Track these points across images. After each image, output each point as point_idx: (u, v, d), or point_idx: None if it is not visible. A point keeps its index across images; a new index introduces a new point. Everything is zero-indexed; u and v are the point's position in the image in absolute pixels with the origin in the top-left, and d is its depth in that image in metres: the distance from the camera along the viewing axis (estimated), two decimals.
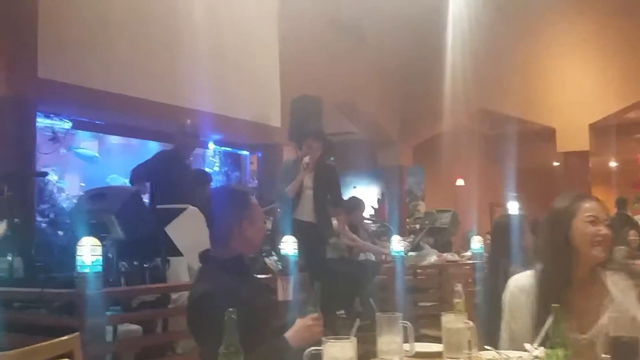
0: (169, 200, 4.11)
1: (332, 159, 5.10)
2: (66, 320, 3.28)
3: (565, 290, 2.24)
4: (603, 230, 2.22)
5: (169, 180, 4.57)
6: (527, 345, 2.27)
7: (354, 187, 11.54)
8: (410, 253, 6.53)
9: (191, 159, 5.34)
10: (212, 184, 6.29)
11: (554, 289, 2.25)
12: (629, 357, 1.85)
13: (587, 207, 2.27)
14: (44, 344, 2.08)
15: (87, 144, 7.79)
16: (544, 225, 2.40)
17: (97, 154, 7.55)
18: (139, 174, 4.99)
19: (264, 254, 4.76)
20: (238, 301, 2.14)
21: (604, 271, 2.27)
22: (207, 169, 8.21)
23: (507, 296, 2.38)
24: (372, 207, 10.87)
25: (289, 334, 2.24)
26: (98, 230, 3.66)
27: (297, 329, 2.25)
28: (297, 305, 3.88)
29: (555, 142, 10.03)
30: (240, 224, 2.31)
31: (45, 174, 5.74)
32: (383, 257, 6.44)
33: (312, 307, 2.27)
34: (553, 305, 1.70)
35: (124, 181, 6.41)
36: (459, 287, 2.60)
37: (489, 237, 4.82)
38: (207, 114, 6.75)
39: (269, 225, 5.03)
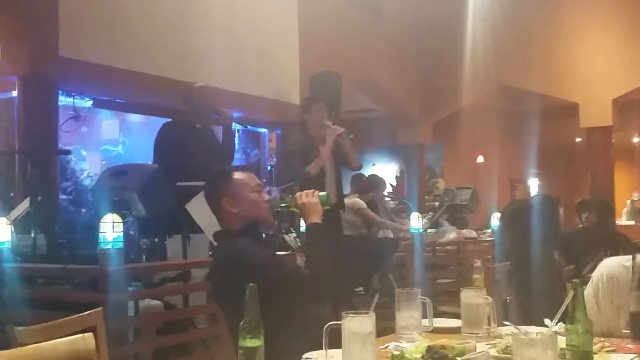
0: (188, 175, 4.10)
1: (351, 136, 4.98)
2: (89, 296, 3.33)
3: None
4: None
5: (185, 153, 4.45)
6: (547, 321, 2.27)
7: (373, 165, 11.51)
8: (429, 230, 6.53)
9: (212, 131, 5.05)
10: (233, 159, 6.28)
11: None
12: None
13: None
14: (67, 318, 2.12)
15: (108, 122, 7.85)
16: None
17: (120, 150, 7.53)
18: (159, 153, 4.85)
19: (283, 231, 4.78)
20: (254, 265, 2.18)
21: None
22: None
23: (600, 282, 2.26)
24: (391, 184, 10.84)
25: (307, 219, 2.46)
26: (120, 207, 3.70)
27: (304, 210, 2.47)
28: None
29: (578, 117, 9.88)
30: (220, 202, 2.40)
31: (69, 151, 5.79)
32: (402, 234, 6.45)
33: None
34: (573, 280, 1.69)
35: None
36: (478, 263, 2.60)
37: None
38: (225, 91, 6.75)
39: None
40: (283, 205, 2.75)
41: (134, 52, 6.04)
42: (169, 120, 5.08)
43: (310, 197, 2.46)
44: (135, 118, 7.87)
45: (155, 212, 3.84)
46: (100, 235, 3.31)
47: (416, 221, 5.57)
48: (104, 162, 7.32)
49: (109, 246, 3.30)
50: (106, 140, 7.62)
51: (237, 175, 2.48)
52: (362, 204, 6.33)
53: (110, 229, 3.34)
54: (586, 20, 9.71)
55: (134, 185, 3.85)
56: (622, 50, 9.51)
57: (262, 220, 2.50)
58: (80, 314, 2.16)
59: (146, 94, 6.67)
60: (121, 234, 3.36)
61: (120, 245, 3.34)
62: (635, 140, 14.45)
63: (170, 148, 4.55)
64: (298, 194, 2.50)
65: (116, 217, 3.37)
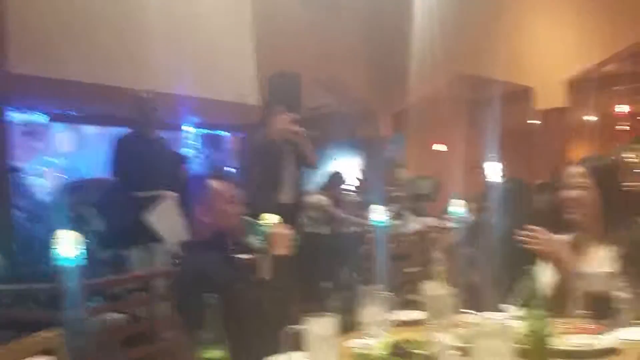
0: (144, 185, 4.05)
1: (317, 133, 5.02)
2: (48, 314, 3.27)
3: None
4: (573, 193, 2.28)
5: (139, 164, 4.40)
6: (504, 306, 2.31)
7: (335, 159, 11.52)
8: (393, 221, 6.57)
9: (163, 139, 5.00)
10: (186, 165, 6.22)
11: None
12: (604, 311, 1.88)
13: (564, 173, 2.37)
14: (25, 339, 2.07)
15: (63, 135, 7.69)
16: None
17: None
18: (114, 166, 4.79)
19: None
20: (217, 281, 2.17)
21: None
22: (188, 152, 8.16)
23: None
24: (358, 178, 10.87)
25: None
26: (78, 222, 3.64)
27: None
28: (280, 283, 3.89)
29: (533, 100, 10.06)
30: (194, 210, 2.39)
31: (18, 169, 5.67)
32: (367, 227, 6.48)
33: None
34: (526, 266, 1.72)
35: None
36: (439, 254, 2.62)
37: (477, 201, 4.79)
38: (184, 97, 6.68)
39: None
40: (254, 226, 2.68)
41: (87, 64, 5.94)
42: (123, 134, 5.01)
43: (282, 229, 2.46)
44: (92, 130, 7.73)
45: (114, 225, 3.79)
46: (57, 251, 3.25)
47: (379, 213, 5.61)
48: (63, 177, 7.17)
49: (67, 262, 3.24)
50: (62, 154, 7.46)
51: (213, 184, 2.46)
52: (325, 200, 6.34)
53: (68, 245, 3.28)
54: (537, 3, 9.87)
55: (91, 199, 3.79)
56: (573, 33, 9.69)
57: (232, 232, 2.50)
58: (39, 334, 2.11)
59: (103, 105, 6.56)
60: (80, 249, 3.30)
61: (80, 260, 3.28)
62: (591, 119, 14.77)
63: (126, 162, 4.50)
64: (275, 223, 2.47)
65: (74, 233, 3.31)
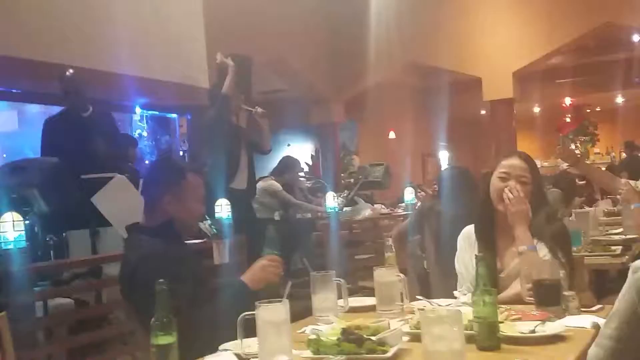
0: (87, 166, 3.94)
1: (257, 108, 4.97)
2: None
3: (491, 237, 2.35)
4: (510, 185, 2.31)
5: (70, 144, 4.23)
6: (456, 293, 2.36)
7: (288, 145, 11.49)
8: (345, 208, 6.61)
9: (100, 119, 4.79)
10: (134, 147, 6.09)
11: (481, 238, 2.37)
12: (550, 298, 1.93)
13: (503, 163, 2.40)
14: None
15: (4, 113, 7.42)
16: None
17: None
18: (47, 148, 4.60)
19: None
20: (169, 268, 2.13)
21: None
22: (135, 134, 8.00)
23: (459, 243, 2.51)
24: (307, 164, 10.88)
25: (245, 276, 2.28)
26: (20, 204, 3.52)
27: (253, 269, 2.30)
28: (234, 268, 3.87)
29: (482, 91, 10.24)
30: (162, 197, 2.29)
31: None
32: (319, 214, 6.50)
33: (269, 249, 2.32)
34: (476, 254, 1.75)
35: None
36: (389, 242, 2.65)
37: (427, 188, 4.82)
38: (131, 77, 6.52)
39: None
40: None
41: (30, 40, 5.72)
42: (50, 115, 4.83)
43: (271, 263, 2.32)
44: (34, 108, 7.49)
45: (59, 207, 3.68)
46: (0, 235, 3.14)
47: (332, 200, 5.62)
48: (4, 156, 6.94)
49: (11, 246, 3.13)
50: (3, 133, 7.21)
51: (190, 177, 2.35)
52: (277, 186, 6.32)
53: (11, 228, 3.17)
54: None
55: (34, 181, 3.66)
56: (521, 25, 9.89)
57: (189, 229, 2.46)
58: None
59: (45, 83, 6.35)
60: (23, 232, 3.20)
61: (23, 244, 3.18)
62: (535, 110, 15.16)
63: (56, 142, 4.35)
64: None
65: (16, 215, 3.20)
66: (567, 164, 4.52)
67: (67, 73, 4.61)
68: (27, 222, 3.31)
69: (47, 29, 5.87)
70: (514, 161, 2.39)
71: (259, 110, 4.74)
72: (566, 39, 9.75)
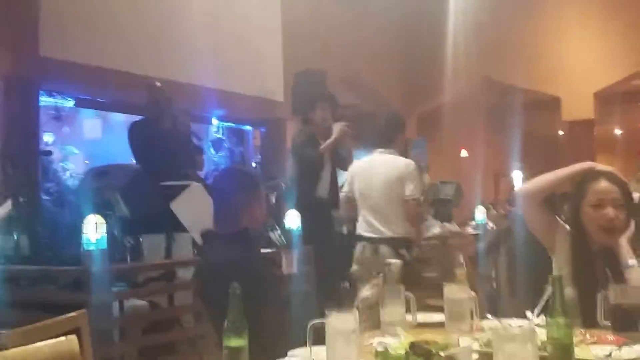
0: (164, 173, 4.08)
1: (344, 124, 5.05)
2: (73, 297, 3.32)
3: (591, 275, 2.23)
4: (610, 213, 2.17)
5: (152, 152, 4.40)
6: (528, 313, 2.30)
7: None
8: None
9: (179, 130, 4.98)
10: (202, 156, 6.23)
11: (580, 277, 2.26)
12: (629, 324, 1.86)
13: (594, 190, 2.22)
14: (50, 321, 2.09)
15: (90, 121, 7.78)
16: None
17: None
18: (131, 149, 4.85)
19: (268, 229, 4.78)
20: (243, 274, 2.18)
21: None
22: (213, 144, 8.21)
23: None
24: None
25: None
26: (102, 208, 3.68)
27: None
28: (302, 279, 3.92)
29: (561, 111, 9.97)
30: (250, 204, 2.39)
31: (50, 152, 5.74)
32: None
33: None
34: (552, 275, 1.71)
35: None
36: (461, 258, 2.62)
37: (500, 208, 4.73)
38: (209, 89, 6.73)
39: (272, 199, 5.02)
40: None
41: (116, 50, 6.00)
42: (135, 121, 5.03)
43: None
44: (118, 117, 7.82)
45: (138, 212, 3.83)
46: (84, 236, 3.30)
47: None
48: (87, 162, 7.26)
49: (93, 247, 3.28)
50: (88, 140, 7.55)
51: (262, 187, 2.56)
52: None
53: (94, 230, 3.32)
54: (567, 16, 9.78)
55: (117, 185, 3.83)
56: (603, 45, 9.60)
57: (260, 237, 2.54)
58: (64, 316, 2.14)
59: (129, 93, 6.63)
60: (104, 234, 3.35)
61: (104, 245, 3.33)
62: (617, 132, 14.59)
63: (139, 148, 4.53)
64: None
65: (99, 218, 3.36)
66: None
67: (157, 84, 4.84)
68: (108, 224, 3.46)
69: (135, 42, 6.14)
70: (604, 184, 2.23)
71: (345, 127, 4.83)
72: None
